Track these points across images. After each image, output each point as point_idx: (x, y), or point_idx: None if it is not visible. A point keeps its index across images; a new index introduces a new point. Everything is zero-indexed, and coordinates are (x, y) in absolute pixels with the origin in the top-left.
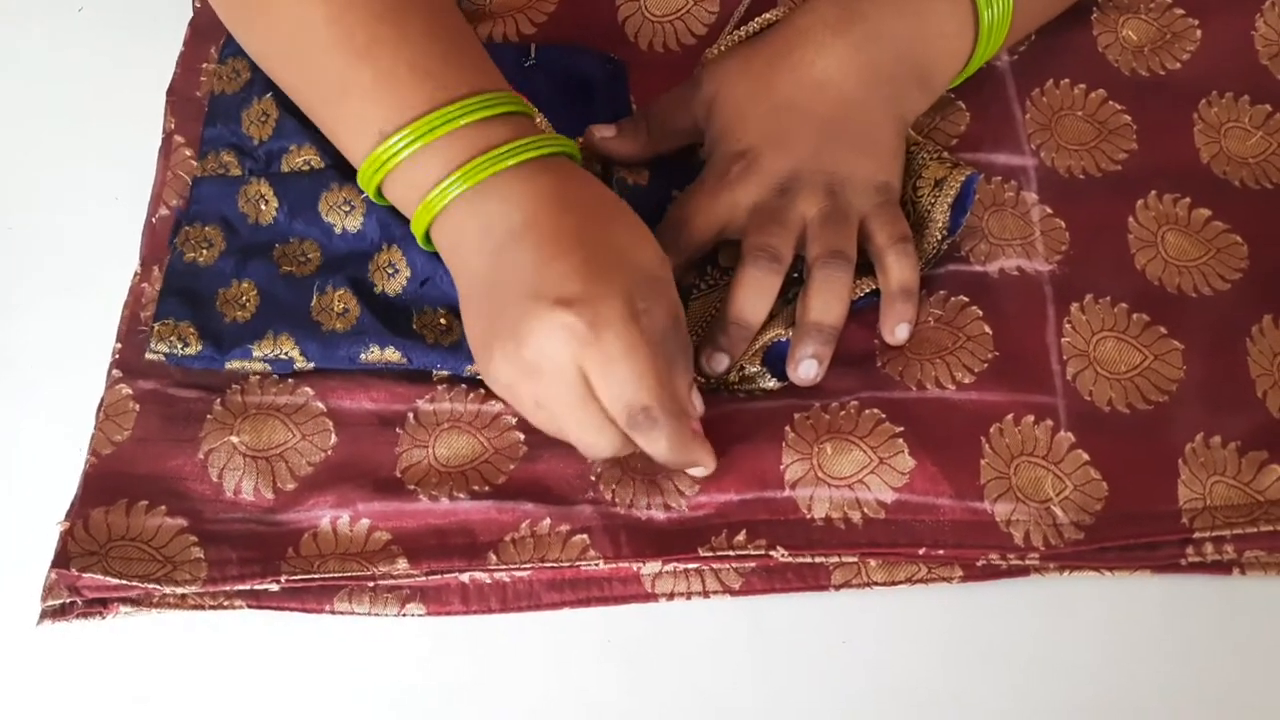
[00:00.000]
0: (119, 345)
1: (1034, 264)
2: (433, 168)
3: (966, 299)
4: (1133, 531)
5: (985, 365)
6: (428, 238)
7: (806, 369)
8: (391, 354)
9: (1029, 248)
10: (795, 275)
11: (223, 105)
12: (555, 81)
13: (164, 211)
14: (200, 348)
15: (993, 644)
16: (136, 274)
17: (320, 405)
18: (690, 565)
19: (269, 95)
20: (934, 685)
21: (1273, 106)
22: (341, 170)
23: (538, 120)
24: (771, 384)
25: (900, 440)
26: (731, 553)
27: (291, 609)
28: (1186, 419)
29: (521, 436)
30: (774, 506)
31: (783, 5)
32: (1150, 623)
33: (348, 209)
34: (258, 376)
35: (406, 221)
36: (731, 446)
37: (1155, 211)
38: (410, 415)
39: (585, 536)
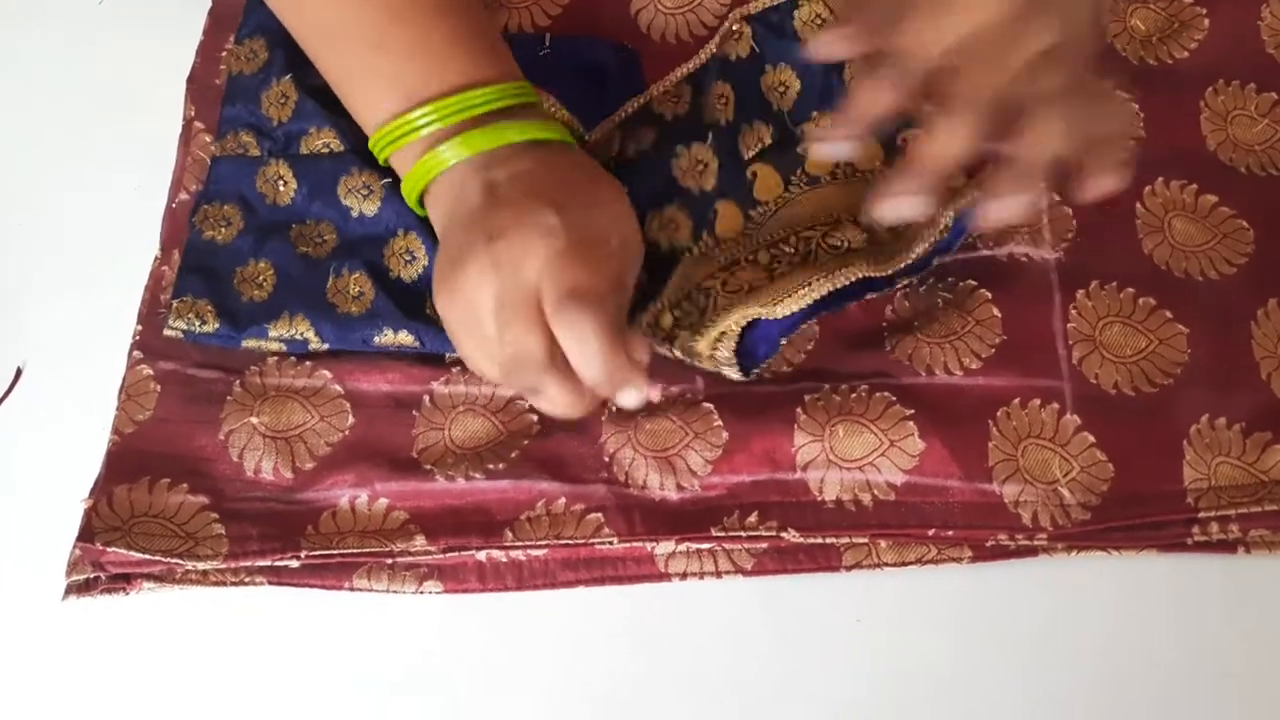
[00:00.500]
0: (139, 327)
1: (1041, 251)
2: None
3: (975, 282)
4: (1139, 512)
5: (993, 350)
6: (420, 203)
7: (890, 209)
8: (405, 337)
9: (1035, 235)
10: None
11: (241, 85)
12: (570, 70)
13: (184, 196)
14: (217, 325)
15: (1002, 623)
16: (157, 258)
17: (338, 388)
18: (703, 546)
19: (288, 77)
20: (944, 664)
21: (1279, 94)
22: (361, 155)
23: (549, 106)
24: (735, 375)
25: (910, 423)
26: (744, 533)
27: (311, 586)
28: (1191, 401)
29: (535, 418)
30: (785, 488)
31: None
32: (1157, 602)
33: (366, 193)
34: (275, 358)
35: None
36: (743, 427)
37: (1162, 198)
38: (426, 398)
39: (600, 515)
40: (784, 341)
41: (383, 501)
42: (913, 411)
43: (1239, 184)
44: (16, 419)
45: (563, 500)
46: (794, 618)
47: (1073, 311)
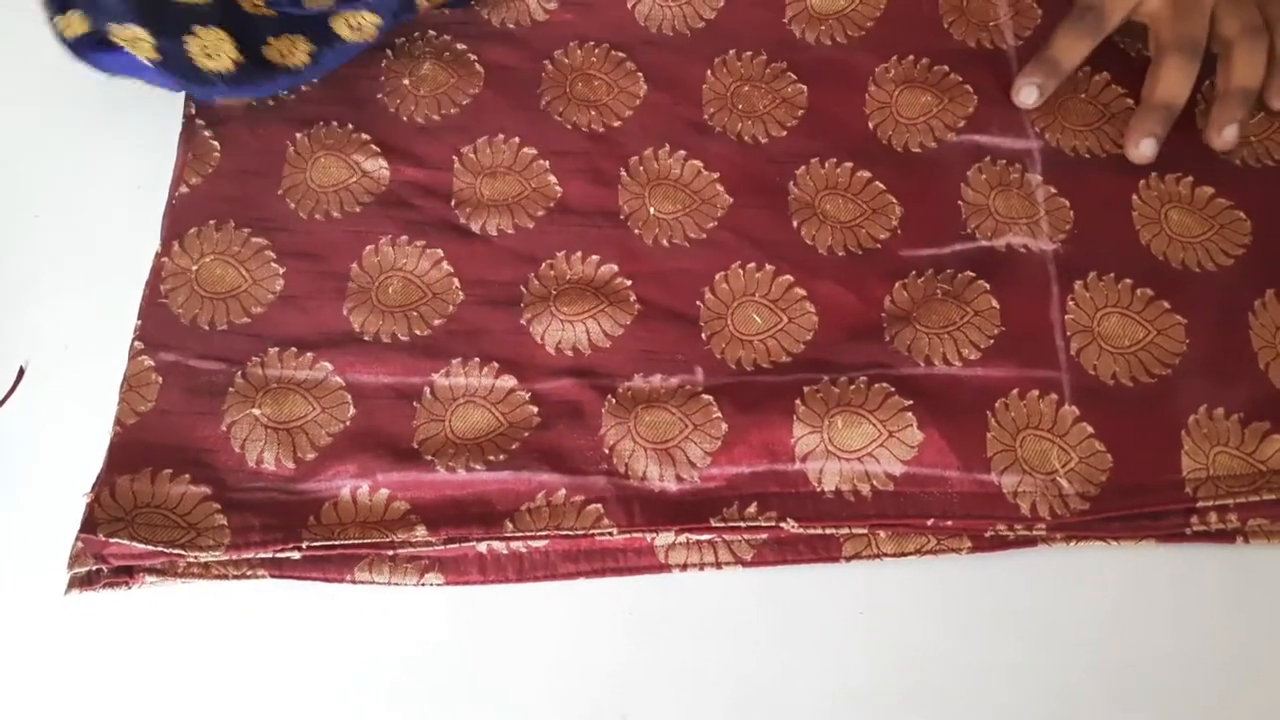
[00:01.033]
0: (140, 320)
1: (1039, 243)
2: None
3: (973, 273)
4: (1137, 502)
5: (991, 341)
6: None
7: (1148, 146)
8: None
9: (1034, 227)
10: None
11: None
12: None
13: (184, 190)
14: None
15: (1001, 614)
16: (157, 252)
17: (339, 380)
18: (703, 537)
19: None
20: (943, 655)
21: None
22: None
23: None
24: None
25: (909, 414)
26: (743, 524)
27: (313, 578)
28: (1189, 391)
29: (535, 410)
30: (784, 479)
31: None
32: (1156, 591)
33: None
34: (276, 349)
35: None
36: (742, 419)
37: (1158, 190)
38: (426, 390)
39: (599, 506)
40: None
41: (384, 492)
42: (911, 402)
43: (1235, 175)
44: (19, 418)
45: (563, 491)
46: (794, 608)
47: (1071, 302)
